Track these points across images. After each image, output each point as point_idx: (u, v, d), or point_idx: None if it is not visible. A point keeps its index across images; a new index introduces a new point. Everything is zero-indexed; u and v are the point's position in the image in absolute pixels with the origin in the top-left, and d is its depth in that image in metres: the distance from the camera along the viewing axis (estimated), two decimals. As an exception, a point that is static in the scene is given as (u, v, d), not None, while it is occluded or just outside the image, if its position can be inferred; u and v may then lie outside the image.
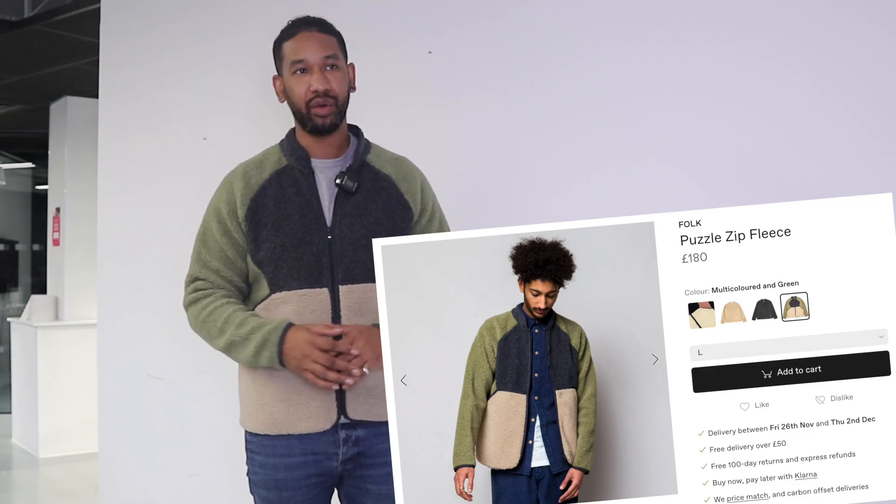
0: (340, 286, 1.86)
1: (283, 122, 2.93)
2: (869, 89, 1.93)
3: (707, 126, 2.13)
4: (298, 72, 1.86)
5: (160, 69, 3.52)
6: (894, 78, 1.91)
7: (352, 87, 1.95)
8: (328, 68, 1.86)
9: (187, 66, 3.40)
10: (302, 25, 1.89)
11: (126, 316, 3.68)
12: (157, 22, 3.54)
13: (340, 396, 1.85)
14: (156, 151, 3.54)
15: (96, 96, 3.82)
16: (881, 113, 1.92)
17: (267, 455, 1.87)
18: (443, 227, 2.06)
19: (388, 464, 1.87)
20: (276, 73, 1.95)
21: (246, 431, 1.94)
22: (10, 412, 6.54)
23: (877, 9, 1.91)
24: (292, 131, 1.96)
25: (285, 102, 1.94)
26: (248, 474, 1.94)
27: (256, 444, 1.90)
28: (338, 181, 1.88)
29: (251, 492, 1.94)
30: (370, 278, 1.83)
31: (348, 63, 1.95)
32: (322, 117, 1.86)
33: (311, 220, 1.87)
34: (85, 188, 6.08)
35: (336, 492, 1.96)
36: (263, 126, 3.03)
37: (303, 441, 1.86)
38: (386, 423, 1.86)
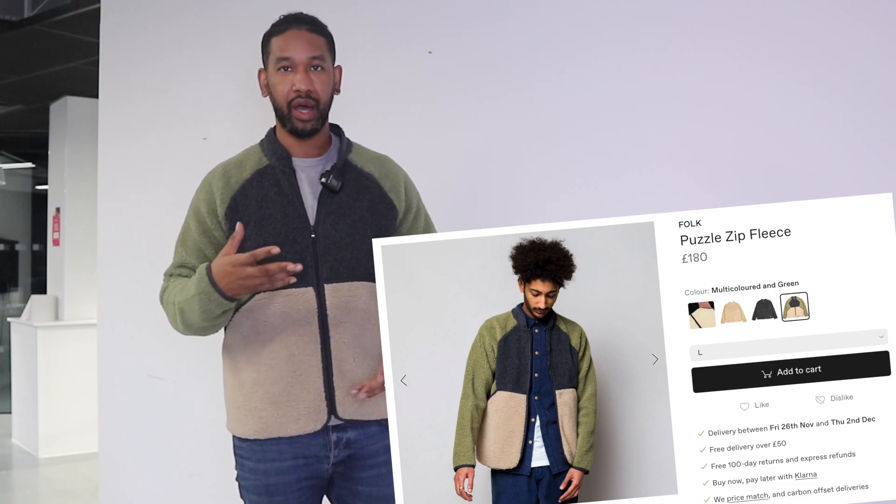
0: (326, 285, 1.84)
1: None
2: (868, 89, 1.93)
3: (708, 127, 2.12)
4: (283, 69, 1.84)
5: (160, 70, 3.52)
6: (893, 78, 1.91)
7: (336, 90, 1.93)
8: (313, 69, 1.84)
9: (187, 66, 3.40)
10: (293, 22, 1.87)
11: (126, 316, 3.68)
12: (157, 22, 3.54)
13: (330, 396, 1.84)
14: (156, 152, 3.54)
15: (96, 96, 3.82)
16: (880, 113, 1.91)
17: (258, 460, 1.86)
18: (428, 224, 2.05)
19: (379, 465, 1.89)
20: (261, 67, 1.93)
21: (234, 437, 1.92)
22: (10, 412, 6.55)
23: (876, 11, 1.91)
24: (272, 130, 1.94)
25: (268, 98, 1.92)
26: (237, 479, 1.93)
27: (246, 450, 1.88)
28: (323, 180, 1.86)
29: (241, 496, 1.93)
30: (355, 276, 1.86)
31: (335, 65, 1.93)
32: (303, 121, 1.84)
33: (294, 220, 1.85)
34: (85, 188, 6.09)
35: (325, 495, 1.96)
36: (264, 126, 3.03)
37: (293, 445, 1.84)
38: (376, 423, 1.88)
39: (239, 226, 1.77)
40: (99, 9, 3.82)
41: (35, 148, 8.31)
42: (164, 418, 3.45)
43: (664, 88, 2.16)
